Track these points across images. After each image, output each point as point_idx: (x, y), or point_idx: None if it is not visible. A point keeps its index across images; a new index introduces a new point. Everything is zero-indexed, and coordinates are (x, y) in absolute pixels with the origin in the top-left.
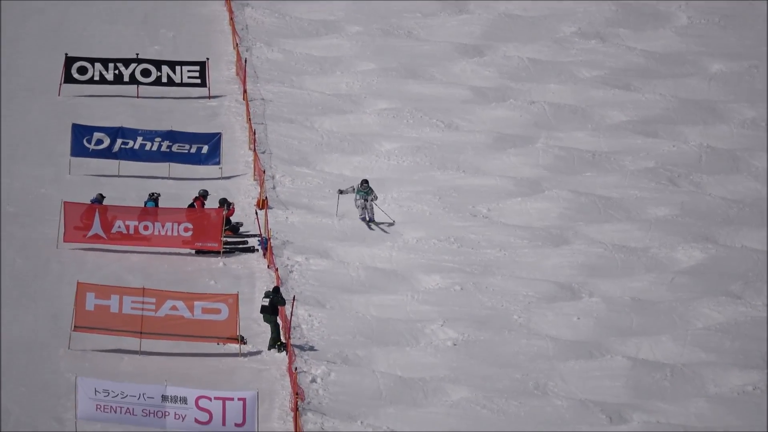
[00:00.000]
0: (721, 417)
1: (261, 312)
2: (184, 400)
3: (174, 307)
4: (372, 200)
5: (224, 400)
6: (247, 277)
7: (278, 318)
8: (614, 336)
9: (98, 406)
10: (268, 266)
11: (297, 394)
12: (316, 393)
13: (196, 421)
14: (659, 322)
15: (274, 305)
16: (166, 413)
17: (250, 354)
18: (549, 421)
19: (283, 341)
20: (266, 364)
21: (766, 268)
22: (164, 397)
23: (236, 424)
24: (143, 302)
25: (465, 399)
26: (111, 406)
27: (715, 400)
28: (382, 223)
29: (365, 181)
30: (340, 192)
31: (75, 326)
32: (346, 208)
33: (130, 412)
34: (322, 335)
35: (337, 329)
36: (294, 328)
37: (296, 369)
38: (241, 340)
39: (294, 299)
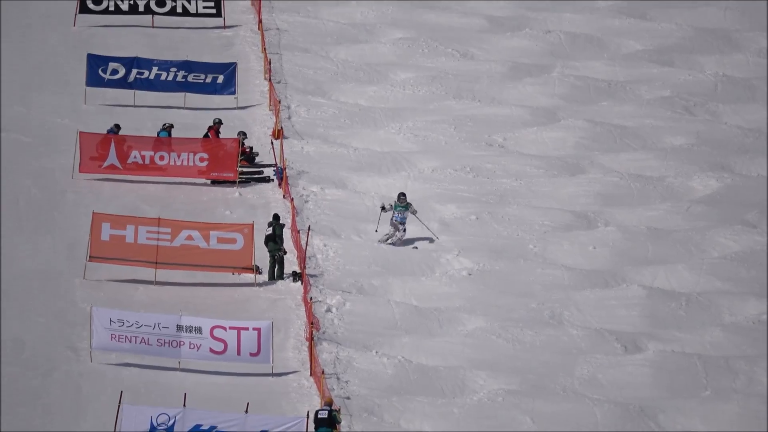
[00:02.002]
0: (737, 345)
1: (265, 242)
2: (198, 330)
3: (189, 237)
4: (413, 212)
5: (239, 329)
6: (263, 207)
7: (282, 247)
8: (630, 265)
9: (113, 336)
10: (284, 196)
11: (312, 323)
12: (331, 323)
13: (211, 350)
14: (675, 251)
15: (278, 235)
16: (181, 343)
17: (266, 284)
18: (564, 350)
19: (298, 271)
20: (281, 294)
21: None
22: (179, 327)
23: (251, 354)
24: (158, 232)
25: (480, 329)
26: (126, 336)
27: (731, 328)
28: (422, 239)
29: (402, 195)
30: (383, 209)
31: (90, 256)
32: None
33: (144, 341)
34: (337, 265)
35: (352, 259)
36: (309, 258)
37: (311, 299)
38: (257, 270)
39: (309, 229)
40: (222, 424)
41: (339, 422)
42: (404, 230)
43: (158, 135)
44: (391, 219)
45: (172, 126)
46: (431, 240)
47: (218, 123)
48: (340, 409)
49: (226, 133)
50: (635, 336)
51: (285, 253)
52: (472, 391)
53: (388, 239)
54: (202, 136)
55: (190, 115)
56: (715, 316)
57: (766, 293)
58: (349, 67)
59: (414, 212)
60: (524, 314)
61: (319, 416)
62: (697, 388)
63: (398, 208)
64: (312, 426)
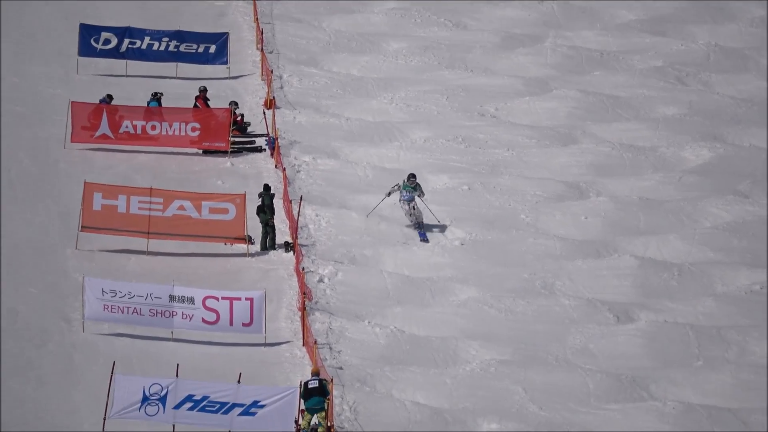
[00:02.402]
0: (729, 316)
1: (257, 213)
2: (191, 300)
3: (181, 207)
4: (420, 196)
5: (231, 300)
6: (255, 176)
7: (272, 218)
8: (622, 235)
9: (105, 307)
10: (276, 166)
11: (304, 293)
12: (324, 293)
13: (203, 321)
14: (667, 222)
15: (266, 205)
16: (173, 313)
17: (258, 254)
18: (556, 320)
19: (290, 241)
20: (273, 264)
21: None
22: (171, 297)
23: (243, 324)
24: (150, 202)
25: (472, 298)
26: (118, 307)
27: (723, 299)
28: (433, 226)
29: (412, 176)
30: (388, 195)
31: (82, 226)
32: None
33: (137, 312)
34: (330, 235)
35: (344, 229)
36: (301, 228)
37: (303, 269)
38: (249, 240)
39: (301, 199)
40: (214, 395)
41: (329, 393)
42: (417, 208)
43: (148, 104)
44: (401, 198)
45: (161, 94)
46: (436, 227)
47: (203, 90)
48: (332, 380)
49: (218, 103)
50: (627, 306)
51: (271, 221)
52: (465, 361)
53: (413, 222)
54: (191, 106)
55: (182, 85)
56: (707, 287)
57: (757, 263)
58: (341, 37)
59: (421, 195)
60: (516, 284)
61: (310, 386)
62: (689, 358)
63: (407, 188)
64: (302, 400)
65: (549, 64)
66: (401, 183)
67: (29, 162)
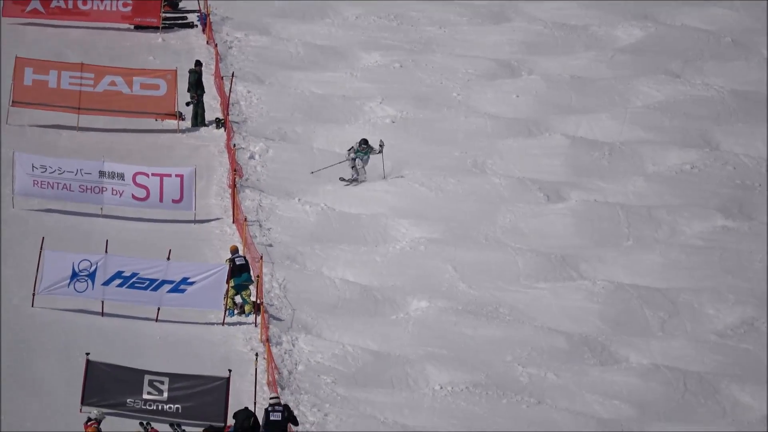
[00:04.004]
0: (660, 195)
1: (188, 90)
2: (121, 176)
3: (112, 83)
4: (380, 149)
5: (162, 176)
6: (186, 53)
7: (196, 94)
8: (553, 114)
9: (35, 182)
10: (207, 42)
11: (235, 170)
12: (255, 169)
13: (134, 197)
14: (598, 100)
15: (190, 83)
16: (104, 189)
17: (188, 130)
18: (487, 198)
19: (221, 117)
20: (204, 140)
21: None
22: (101, 173)
23: (173, 200)
24: (81, 77)
25: (403, 176)
26: (48, 182)
27: (654, 178)
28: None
29: (364, 141)
30: (350, 153)
31: (13, 101)
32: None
33: (67, 187)
34: (261, 112)
35: (275, 106)
36: (233, 105)
37: (234, 145)
38: (180, 116)
39: (233, 75)
40: (144, 271)
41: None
42: (364, 172)
43: None
44: (353, 162)
45: None
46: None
47: None
48: (262, 257)
49: None
50: (558, 185)
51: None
52: (395, 239)
53: (352, 181)
54: None
55: None
56: (638, 166)
57: (688, 143)
58: None
59: (381, 146)
60: (447, 162)
61: (237, 263)
62: (619, 238)
63: (359, 155)
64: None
65: None
66: (354, 147)
67: None
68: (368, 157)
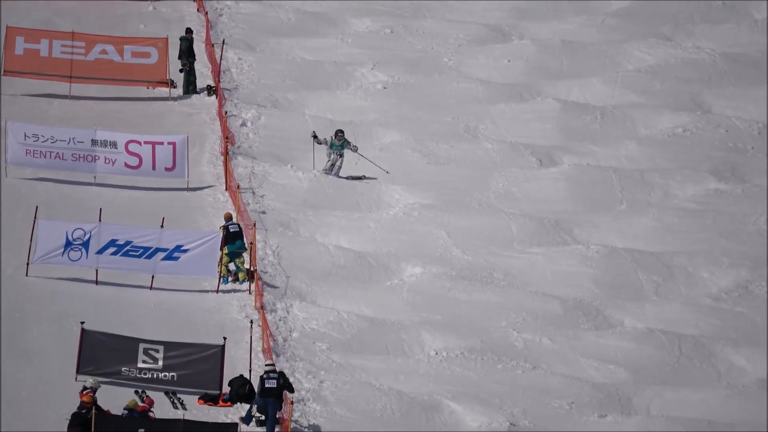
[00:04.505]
0: (652, 159)
1: (179, 57)
2: (113, 144)
3: (104, 51)
4: (353, 150)
5: (154, 144)
6: (177, 20)
7: (188, 61)
8: (545, 78)
9: (28, 151)
10: (198, 10)
11: (227, 138)
12: (247, 137)
13: (126, 165)
14: (589, 65)
15: (182, 50)
16: (96, 157)
17: (180, 98)
18: (479, 164)
19: (213, 85)
20: (196, 108)
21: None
22: (94, 142)
23: (166, 168)
24: (73, 46)
25: (395, 142)
26: (41, 151)
27: (646, 141)
28: (366, 178)
29: (340, 132)
30: (315, 138)
31: (4, 71)
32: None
33: (59, 156)
34: (252, 79)
35: (267, 73)
36: (224, 72)
37: (226, 113)
38: (171, 84)
39: (224, 42)
40: (137, 239)
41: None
42: (340, 167)
43: None
44: (329, 155)
45: None
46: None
47: None
48: (255, 224)
49: None
50: (550, 149)
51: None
52: (388, 205)
53: (331, 171)
54: None
55: None
56: (630, 130)
57: (680, 106)
58: None
59: (354, 149)
60: (439, 128)
61: (231, 230)
62: (612, 202)
63: (335, 147)
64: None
65: None
66: (329, 139)
67: None
68: (344, 151)
